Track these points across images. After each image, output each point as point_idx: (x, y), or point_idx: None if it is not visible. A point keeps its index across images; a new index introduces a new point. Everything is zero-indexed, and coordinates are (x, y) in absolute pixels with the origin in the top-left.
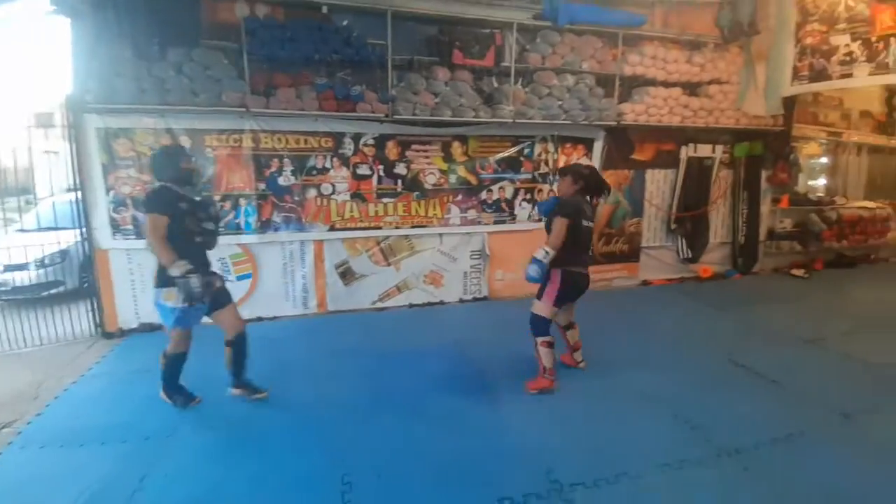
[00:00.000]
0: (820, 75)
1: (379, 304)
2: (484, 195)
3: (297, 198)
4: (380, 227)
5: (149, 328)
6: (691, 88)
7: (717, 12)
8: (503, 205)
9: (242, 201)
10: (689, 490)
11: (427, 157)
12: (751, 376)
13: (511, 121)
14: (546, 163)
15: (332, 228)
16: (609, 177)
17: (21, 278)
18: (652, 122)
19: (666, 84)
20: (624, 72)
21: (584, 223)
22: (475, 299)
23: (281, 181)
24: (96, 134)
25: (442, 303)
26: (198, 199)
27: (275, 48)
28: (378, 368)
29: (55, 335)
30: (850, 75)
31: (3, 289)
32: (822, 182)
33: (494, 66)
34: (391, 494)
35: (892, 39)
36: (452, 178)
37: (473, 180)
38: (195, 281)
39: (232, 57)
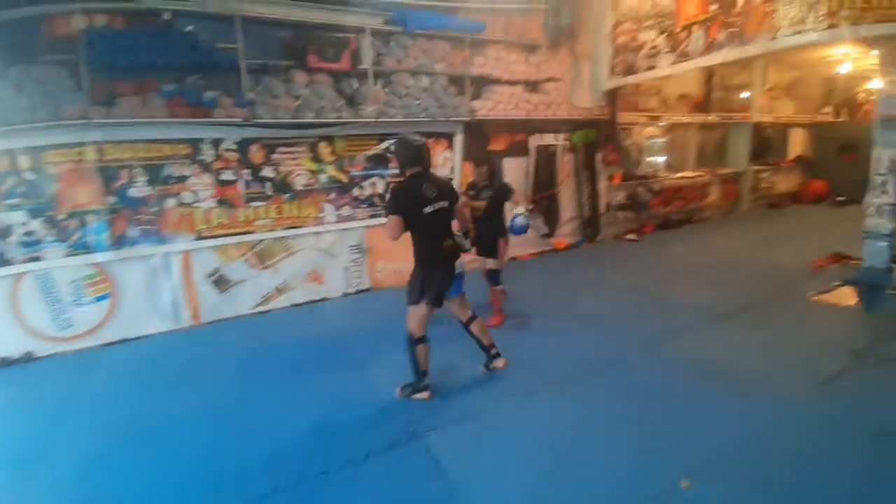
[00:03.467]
0: (630, 69)
1: (260, 308)
2: (356, 192)
3: (154, 208)
4: (252, 231)
5: None
6: (531, 86)
7: (543, 19)
8: (376, 199)
9: (91, 217)
10: (519, 415)
11: (295, 159)
12: (579, 321)
13: (374, 120)
14: None
15: (200, 237)
16: (471, 166)
17: None
18: (501, 116)
19: (510, 82)
20: (472, 72)
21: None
22: (358, 291)
23: (133, 192)
24: None
25: (325, 299)
26: None
27: (115, 56)
28: (255, 365)
29: None
30: (653, 67)
31: None
32: (661, 159)
33: (352, 68)
34: (277, 462)
35: (694, 27)
36: (323, 178)
37: (344, 178)
38: None
39: (73, 70)
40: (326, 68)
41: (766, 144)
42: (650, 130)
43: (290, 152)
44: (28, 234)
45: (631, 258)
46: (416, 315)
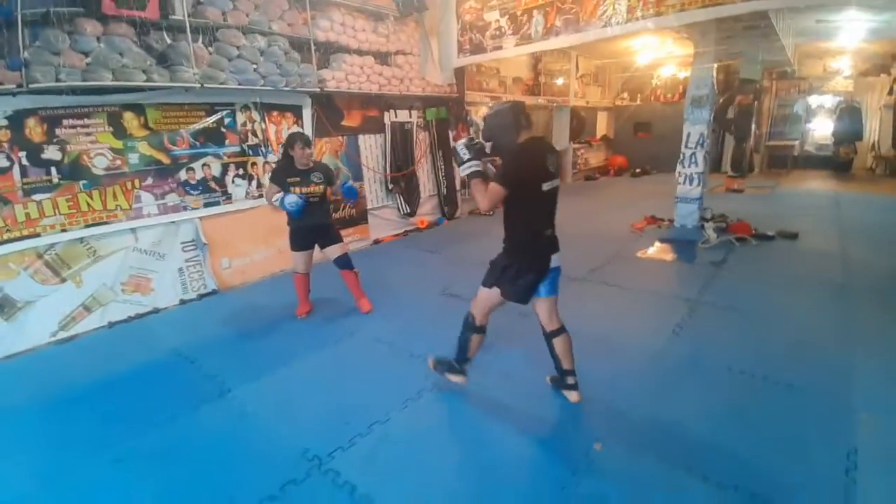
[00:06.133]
0: (478, 48)
1: (63, 335)
2: (184, 175)
3: None
4: (37, 234)
5: None
6: (382, 58)
7: None
8: (212, 184)
9: None
10: (427, 414)
11: (89, 135)
12: (461, 302)
13: (199, 85)
14: (254, 133)
15: None
16: (324, 144)
17: None
18: (353, 88)
19: (359, 52)
20: (317, 37)
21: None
22: (201, 296)
23: None
24: None
25: (156, 310)
26: None
27: None
28: (61, 420)
29: None
30: (500, 47)
31: None
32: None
33: (161, 18)
34: None
35: (534, 12)
36: (134, 158)
37: (165, 158)
38: None
39: None
40: (127, 16)
41: (581, 125)
42: (483, 111)
43: (81, 125)
44: None
45: (489, 232)
46: (484, 300)
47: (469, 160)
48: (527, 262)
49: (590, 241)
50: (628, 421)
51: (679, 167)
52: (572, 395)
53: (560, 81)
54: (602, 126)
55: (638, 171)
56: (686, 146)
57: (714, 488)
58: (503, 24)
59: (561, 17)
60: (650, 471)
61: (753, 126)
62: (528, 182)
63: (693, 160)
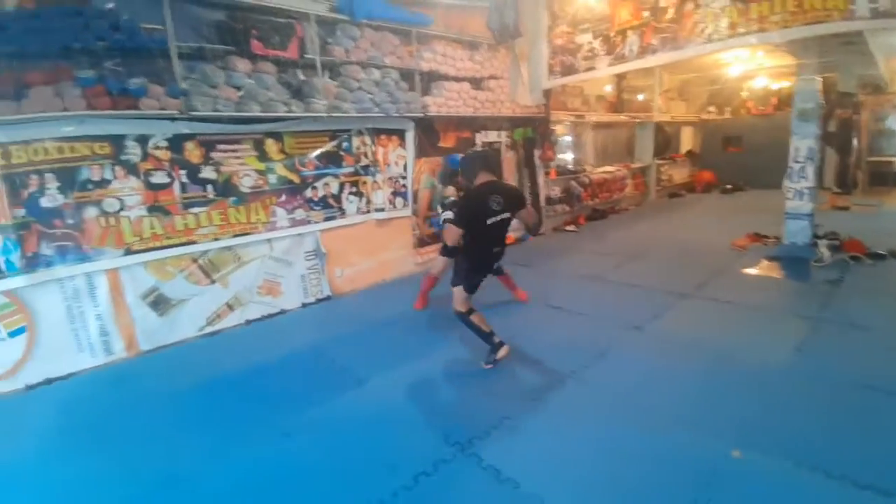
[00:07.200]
0: (569, 70)
1: (209, 329)
2: (309, 193)
3: (71, 221)
4: (194, 242)
5: None
6: (476, 83)
7: (487, 16)
8: (330, 200)
9: None
10: (553, 411)
11: (239, 158)
12: (564, 314)
13: (326, 115)
14: (365, 155)
15: (130, 251)
16: (424, 164)
17: None
18: (451, 112)
19: (457, 79)
20: (421, 67)
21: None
22: (318, 300)
23: (45, 202)
24: None
25: (283, 311)
26: None
27: (27, 41)
28: (228, 403)
29: None
30: (593, 68)
31: None
32: (570, 155)
33: (299, 57)
34: None
35: (628, 32)
36: (272, 179)
37: (296, 178)
38: None
39: None
40: (273, 56)
41: (666, 141)
42: (559, 129)
43: (232, 150)
44: None
45: (578, 248)
46: (460, 296)
47: (445, 211)
48: (478, 266)
49: (688, 259)
50: (764, 432)
51: (787, 182)
52: (503, 350)
53: (642, 97)
54: (687, 141)
55: (728, 186)
56: (795, 160)
57: (850, 487)
58: (596, 45)
59: (657, 36)
60: (789, 473)
61: (855, 141)
62: (475, 219)
63: (802, 174)
